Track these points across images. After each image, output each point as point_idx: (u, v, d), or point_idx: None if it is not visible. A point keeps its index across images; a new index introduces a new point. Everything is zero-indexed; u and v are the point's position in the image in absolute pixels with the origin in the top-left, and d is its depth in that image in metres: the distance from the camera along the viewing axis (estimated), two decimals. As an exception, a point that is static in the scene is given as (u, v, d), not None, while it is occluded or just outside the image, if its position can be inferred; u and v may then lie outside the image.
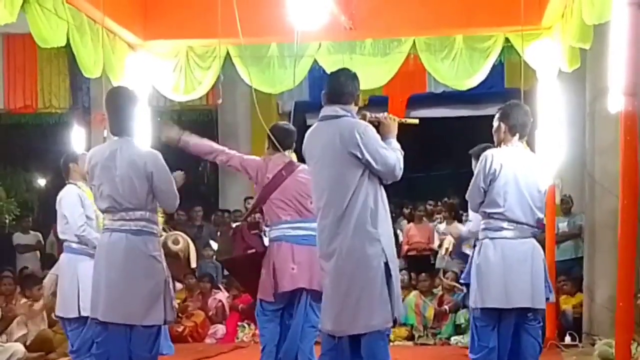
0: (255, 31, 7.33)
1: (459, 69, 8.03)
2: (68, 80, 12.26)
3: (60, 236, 6.40)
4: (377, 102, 11.99)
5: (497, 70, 9.52)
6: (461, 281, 5.76)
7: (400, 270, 9.62)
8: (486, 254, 5.13)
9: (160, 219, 5.47)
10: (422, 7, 7.59)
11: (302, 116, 11.75)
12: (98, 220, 6.06)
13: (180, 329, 8.95)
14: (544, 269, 5.20)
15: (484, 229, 5.19)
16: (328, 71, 7.42)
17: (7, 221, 13.68)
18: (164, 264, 5.11)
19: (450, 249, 6.55)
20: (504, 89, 11.49)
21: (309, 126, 5.01)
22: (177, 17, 7.88)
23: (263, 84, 8.23)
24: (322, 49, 8.12)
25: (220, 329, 9.45)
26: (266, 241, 5.92)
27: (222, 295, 9.76)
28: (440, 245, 8.66)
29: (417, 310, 9.34)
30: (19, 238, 12.04)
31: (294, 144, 5.97)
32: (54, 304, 7.29)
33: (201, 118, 13.58)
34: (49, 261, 11.05)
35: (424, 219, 11.44)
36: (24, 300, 8.36)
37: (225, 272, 10.51)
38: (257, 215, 6.33)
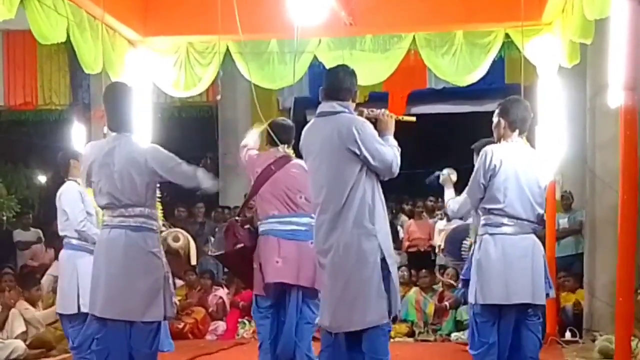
0: (255, 27, 7.33)
1: (459, 64, 8.02)
2: (68, 77, 12.26)
3: (60, 232, 6.39)
4: (377, 98, 11.99)
5: (498, 66, 9.52)
6: (461, 277, 5.76)
7: (401, 266, 9.67)
8: (487, 249, 5.12)
9: (159, 214, 5.46)
10: (422, 3, 7.58)
11: (302, 112, 11.74)
12: (98, 217, 6.06)
13: (180, 326, 8.96)
14: (544, 265, 5.19)
15: (484, 225, 5.19)
16: (328, 67, 7.42)
17: (7, 218, 13.67)
18: (164, 259, 5.11)
19: (442, 246, 6.57)
20: (504, 84, 11.49)
21: (309, 122, 5.01)
22: (177, 14, 7.87)
23: (263, 80, 8.22)
24: (322, 45, 8.11)
25: (221, 325, 9.46)
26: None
27: (223, 292, 9.76)
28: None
29: (418, 306, 9.34)
30: (19, 235, 12.04)
31: (292, 140, 5.98)
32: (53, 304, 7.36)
33: (201, 114, 13.58)
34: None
35: (425, 215, 11.45)
36: (24, 306, 8.33)
37: (226, 269, 10.54)
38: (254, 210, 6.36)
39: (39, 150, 15.98)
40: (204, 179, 5.12)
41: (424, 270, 9.80)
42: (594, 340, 7.71)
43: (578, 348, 7.88)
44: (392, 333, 8.59)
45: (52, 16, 6.26)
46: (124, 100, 5.11)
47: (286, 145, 5.98)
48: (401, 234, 11.33)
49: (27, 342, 7.94)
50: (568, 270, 9.35)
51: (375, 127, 4.83)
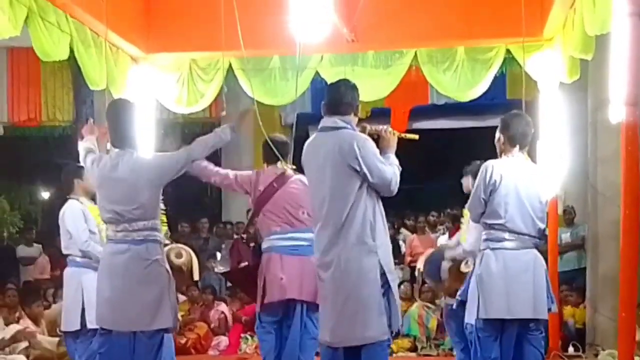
0: (258, 43, 7.36)
1: (460, 80, 8.04)
2: (72, 94, 12.29)
3: (64, 251, 6.40)
4: (379, 113, 12.03)
5: (499, 81, 9.55)
6: (458, 298, 5.74)
7: (403, 281, 9.67)
8: (488, 264, 5.13)
9: (163, 228, 5.49)
10: (423, 19, 7.61)
11: (305, 128, 11.74)
12: (101, 234, 6.08)
13: (183, 341, 8.96)
14: (546, 280, 5.19)
15: (486, 240, 5.20)
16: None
17: (10, 234, 13.69)
18: (167, 267, 5.14)
19: (421, 269, 6.57)
20: (505, 100, 11.51)
21: (311, 137, 5.04)
22: (180, 30, 7.90)
23: (265, 95, 8.25)
24: (324, 61, 8.14)
25: (223, 340, 9.45)
26: None
27: (225, 307, 9.76)
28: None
29: (420, 321, 9.34)
30: (22, 250, 12.06)
31: (289, 154, 6.03)
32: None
33: (204, 130, 13.56)
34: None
35: (427, 230, 11.45)
36: (26, 325, 8.33)
37: (229, 284, 10.55)
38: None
39: (42, 166, 16.02)
40: (215, 138, 5.18)
41: (426, 285, 9.78)
42: (596, 355, 7.71)
43: (581, 363, 7.88)
44: (395, 348, 8.63)
45: (55, 34, 6.28)
46: (127, 116, 5.14)
47: (283, 162, 6.01)
48: (403, 249, 11.33)
49: (30, 358, 7.94)
50: (570, 285, 9.34)
51: (377, 144, 4.85)
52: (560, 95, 7.78)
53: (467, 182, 6.28)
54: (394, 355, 8.75)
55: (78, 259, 6.27)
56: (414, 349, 9.17)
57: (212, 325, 9.56)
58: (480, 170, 5.23)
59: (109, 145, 5.52)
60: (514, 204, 5.09)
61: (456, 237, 6.53)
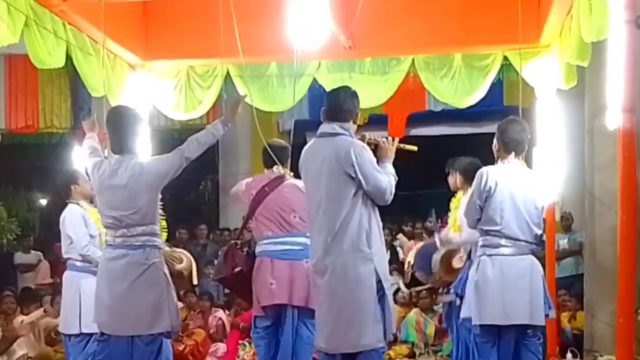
0: (255, 50, 7.37)
1: (458, 87, 8.05)
2: (69, 100, 12.29)
3: (64, 255, 6.45)
4: (376, 120, 12.03)
5: (496, 88, 9.57)
6: (453, 291, 5.77)
7: (399, 288, 9.65)
8: (484, 270, 5.14)
9: (163, 234, 5.50)
10: (421, 26, 7.63)
11: (302, 134, 11.76)
12: (101, 238, 6.12)
13: (181, 348, 8.93)
14: (543, 286, 5.20)
15: (482, 246, 5.21)
16: (327, 90, 7.46)
17: (7, 241, 13.66)
18: (166, 271, 5.15)
19: (412, 262, 6.59)
20: (503, 106, 11.52)
21: (309, 142, 5.05)
22: (178, 37, 7.91)
23: (263, 102, 8.25)
24: (322, 67, 8.15)
25: (221, 347, 9.43)
26: None
27: (222, 314, 9.75)
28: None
29: (418, 327, 9.33)
30: (20, 257, 12.04)
31: (287, 159, 6.04)
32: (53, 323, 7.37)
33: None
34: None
35: (425, 236, 11.43)
36: (21, 317, 8.34)
37: (226, 290, 10.54)
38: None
39: (40, 173, 15.99)
40: (207, 135, 5.17)
41: (424, 291, 9.77)
42: (594, 361, 7.71)
43: (579, 369, 7.88)
44: (393, 354, 8.63)
45: (50, 41, 6.27)
46: (128, 123, 5.15)
47: (280, 166, 6.03)
48: (401, 255, 11.31)
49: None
50: (568, 291, 9.35)
51: (375, 153, 4.87)
52: (557, 102, 7.79)
53: (452, 179, 6.34)
54: (392, 361, 8.77)
55: (78, 263, 6.31)
56: (411, 355, 9.16)
57: (210, 332, 9.55)
58: (476, 177, 5.25)
59: (107, 152, 5.53)
60: (510, 210, 5.11)
61: (446, 230, 6.55)
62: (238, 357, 9.25)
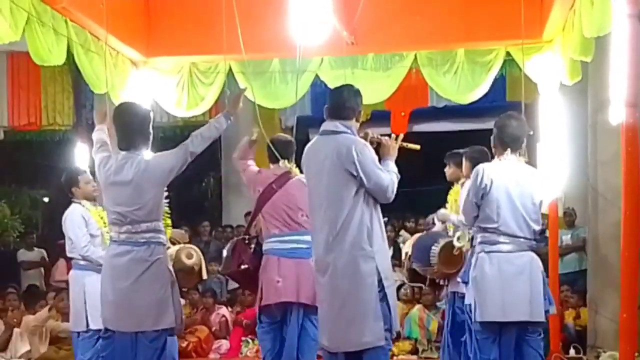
0: (258, 47, 7.37)
1: (460, 83, 8.04)
2: (72, 98, 12.29)
3: (68, 254, 6.53)
4: (379, 116, 12.03)
5: (499, 83, 9.55)
6: (460, 280, 5.78)
7: (403, 284, 9.66)
8: (482, 267, 5.13)
9: (168, 231, 5.51)
10: (423, 22, 7.62)
11: (305, 131, 11.76)
12: (104, 237, 6.15)
13: (184, 345, 8.94)
14: (543, 282, 5.19)
15: (480, 243, 5.20)
16: (330, 86, 7.46)
17: (11, 238, 13.68)
18: (170, 267, 5.16)
19: (409, 252, 6.60)
20: (505, 102, 11.50)
21: (312, 139, 5.05)
22: (180, 34, 7.91)
23: (265, 99, 8.25)
24: (324, 64, 8.14)
25: (224, 344, 9.45)
26: None
27: (225, 311, 9.76)
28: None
29: (421, 324, 9.33)
30: (23, 255, 12.06)
31: (293, 154, 6.04)
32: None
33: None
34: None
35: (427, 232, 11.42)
36: (28, 317, 8.37)
37: (229, 287, 10.56)
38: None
39: (43, 171, 16.00)
40: (210, 129, 5.16)
41: (426, 288, 9.78)
42: (598, 357, 7.70)
43: (582, 365, 7.87)
44: (396, 350, 8.64)
45: (51, 38, 6.25)
46: (133, 119, 5.14)
47: (287, 161, 6.02)
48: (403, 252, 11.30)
49: (32, 361, 7.97)
50: (571, 287, 9.34)
51: (378, 151, 4.87)
52: (560, 97, 7.78)
53: (449, 170, 6.37)
54: (395, 358, 8.77)
55: (81, 262, 6.37)
56: (414, 351, 9.16)
57: (213, 329, 9.56)
58: (472, 175, 5.25)
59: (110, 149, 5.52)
60: (506, 207, 5.09)
61: (443, 209, 6.59)
62: (241, 353, 9.27)
